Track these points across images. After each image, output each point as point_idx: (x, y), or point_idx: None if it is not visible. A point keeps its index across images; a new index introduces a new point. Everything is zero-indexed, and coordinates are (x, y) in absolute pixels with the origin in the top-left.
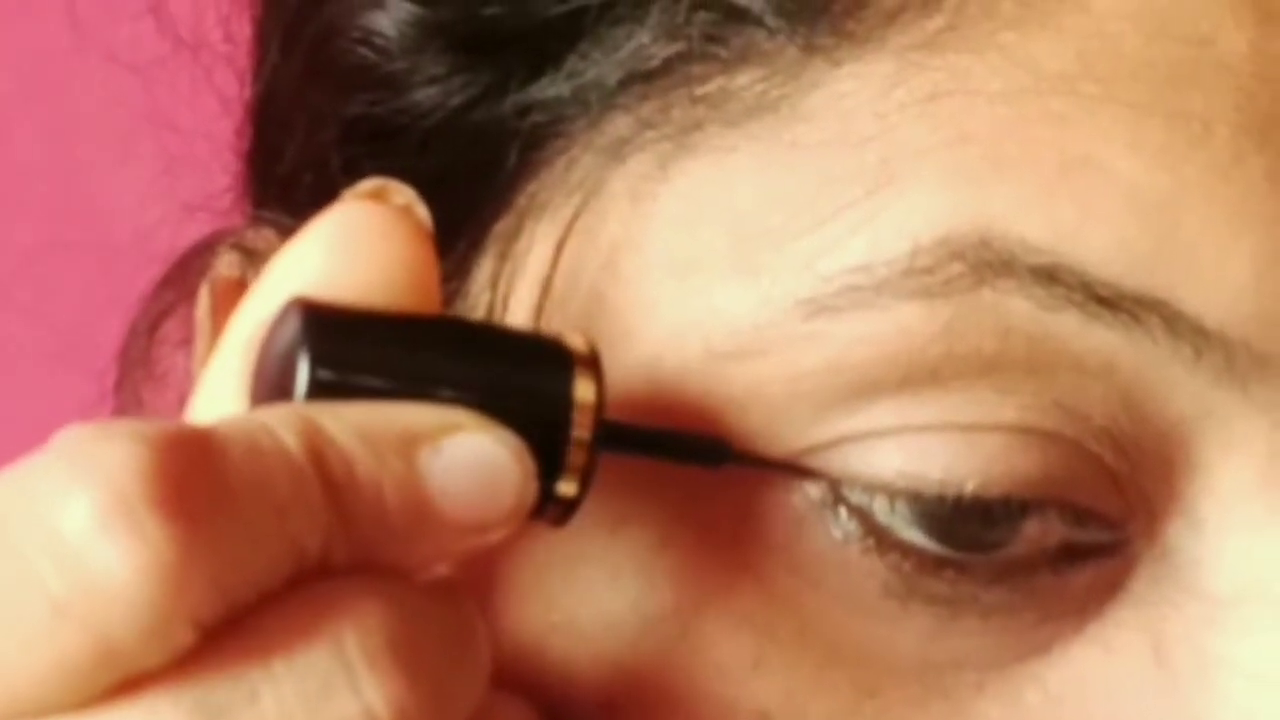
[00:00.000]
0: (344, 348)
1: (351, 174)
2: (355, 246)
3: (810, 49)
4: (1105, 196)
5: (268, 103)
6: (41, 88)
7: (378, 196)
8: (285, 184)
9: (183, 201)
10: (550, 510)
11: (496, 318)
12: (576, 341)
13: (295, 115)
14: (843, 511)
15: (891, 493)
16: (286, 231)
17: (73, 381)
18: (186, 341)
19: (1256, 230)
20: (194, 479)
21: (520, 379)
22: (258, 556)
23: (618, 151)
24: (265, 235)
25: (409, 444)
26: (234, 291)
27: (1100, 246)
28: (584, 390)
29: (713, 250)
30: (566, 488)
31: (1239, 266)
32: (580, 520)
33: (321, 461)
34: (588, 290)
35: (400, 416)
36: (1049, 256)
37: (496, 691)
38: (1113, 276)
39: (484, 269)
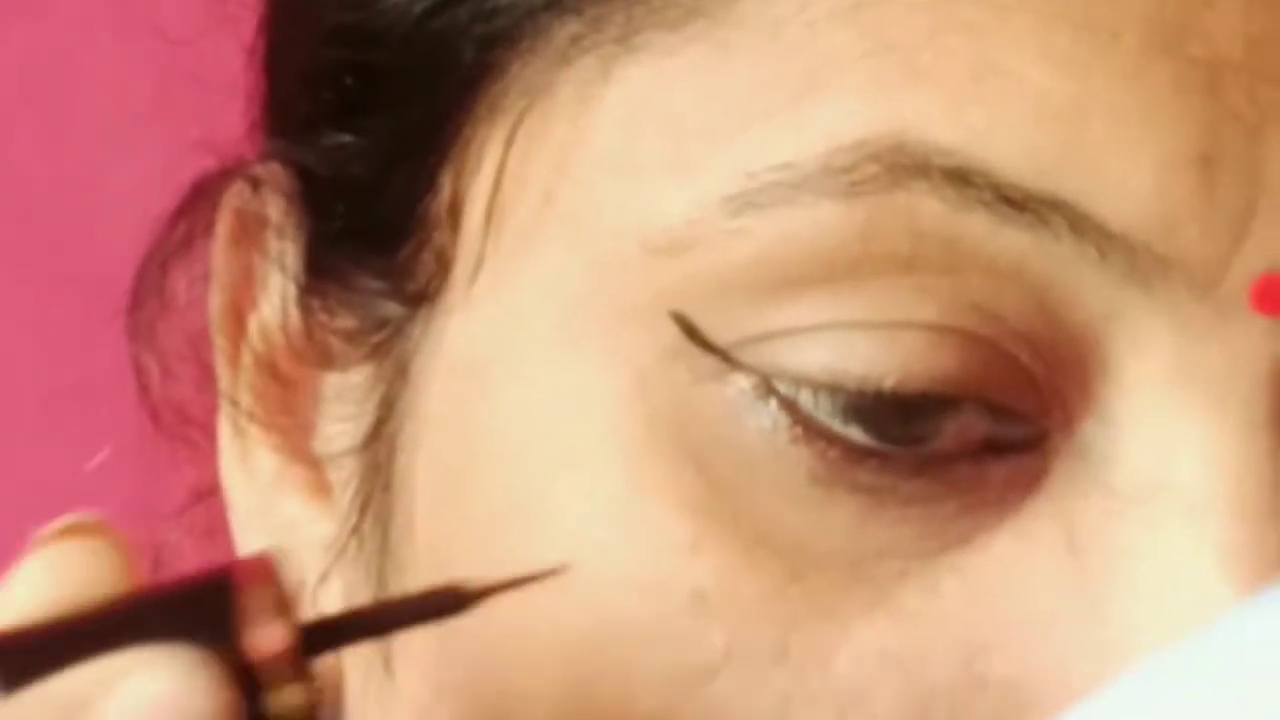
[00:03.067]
0: (31, 661)
1: (335, 89)
2: (55, 579)
3: None
4: (1014, 103)
5: (266, 26)
6: (42, 87)
7: (70, 532)
8: (280, 109)
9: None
10: None
11: (458, 217)
12: (243, 560)
13: (286, 33)
14: (773, 402)
15: (816, 386)
16: (289, 161)
17: (72, 381)
18: (201, 276)
19: (1161, 136)
20: None
21: (189, 616)
22: None
23: (565, 54)
24: (271, 166)
25: (81, 711)
26: (249, 224)
27: (1009, 150)
28: (258, 600)
29: (652, 151)
30: (291, 697)
31: (1143, 171)
32: (536, 412)
33: None
34: (537, 190)
35: (64, 686)
36: (960, 159)
37: None
38: (1020, 179)
39: (447, 174)
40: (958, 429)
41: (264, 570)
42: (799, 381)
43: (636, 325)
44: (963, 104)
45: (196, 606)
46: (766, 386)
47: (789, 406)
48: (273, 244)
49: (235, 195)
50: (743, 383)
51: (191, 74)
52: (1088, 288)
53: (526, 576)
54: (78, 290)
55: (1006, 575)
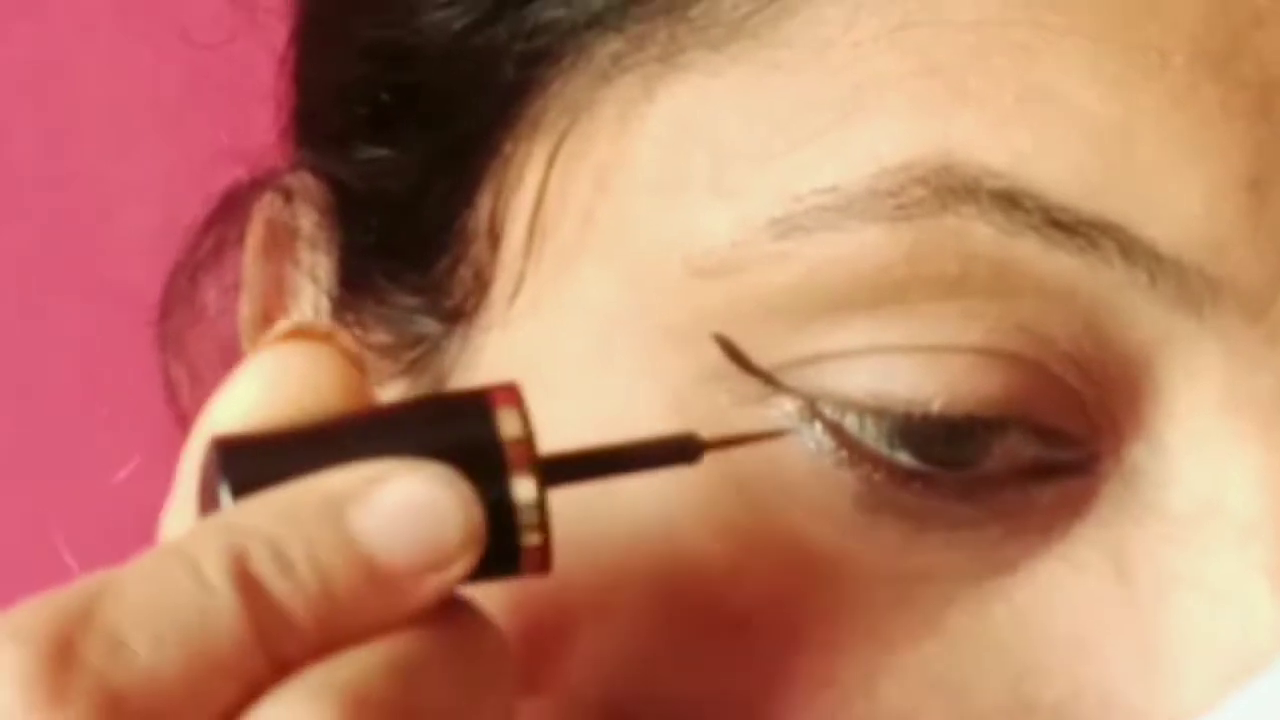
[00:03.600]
0: (260, 466)
1: (369, 104)
2: (283, 383)
3: None
4: (1062, 125)
5: (299, 37)
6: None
7: (300, 334)
8: (312, 121)
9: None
10: (528, 564)
11: (498, 234)
12: (494, 387)
13: (320, 46)
14: (817, 425)
15: (861, 409)
16: (321, 173)
17: (74, 377)
18: (231, 284)
19: (1209, 158)
20: (77, 657)
21: (443, 435)
22: (179, 703)
23: (607, 73)
24: (302, 176)
25: (335, 508)
26: (280, 235)
27: (1058, 173)
28: (511, 429)
29: (695, 171)
30: (530, 538)
31: (1192, 193)
32: (574, 431)
33: (244, 561)
34: (578, 209)
35: (320, 485)
36: (1008, 181)
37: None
38: (1070, 202)
39: (487, 189)
40: (1005, 452)
41: (515, 396)
42: (844, 405)
43: (677, 346)
44: (1010, 126)
45: (449, 425)
46: (811, 410)
47: (834, 430)
48: (305, 256)
49: (266, 205)
50: (787, 406)
51: (213, 78)
52: (1138, 311)
53: (756, 434)
54: (104, 298)
55: (1054, 600)
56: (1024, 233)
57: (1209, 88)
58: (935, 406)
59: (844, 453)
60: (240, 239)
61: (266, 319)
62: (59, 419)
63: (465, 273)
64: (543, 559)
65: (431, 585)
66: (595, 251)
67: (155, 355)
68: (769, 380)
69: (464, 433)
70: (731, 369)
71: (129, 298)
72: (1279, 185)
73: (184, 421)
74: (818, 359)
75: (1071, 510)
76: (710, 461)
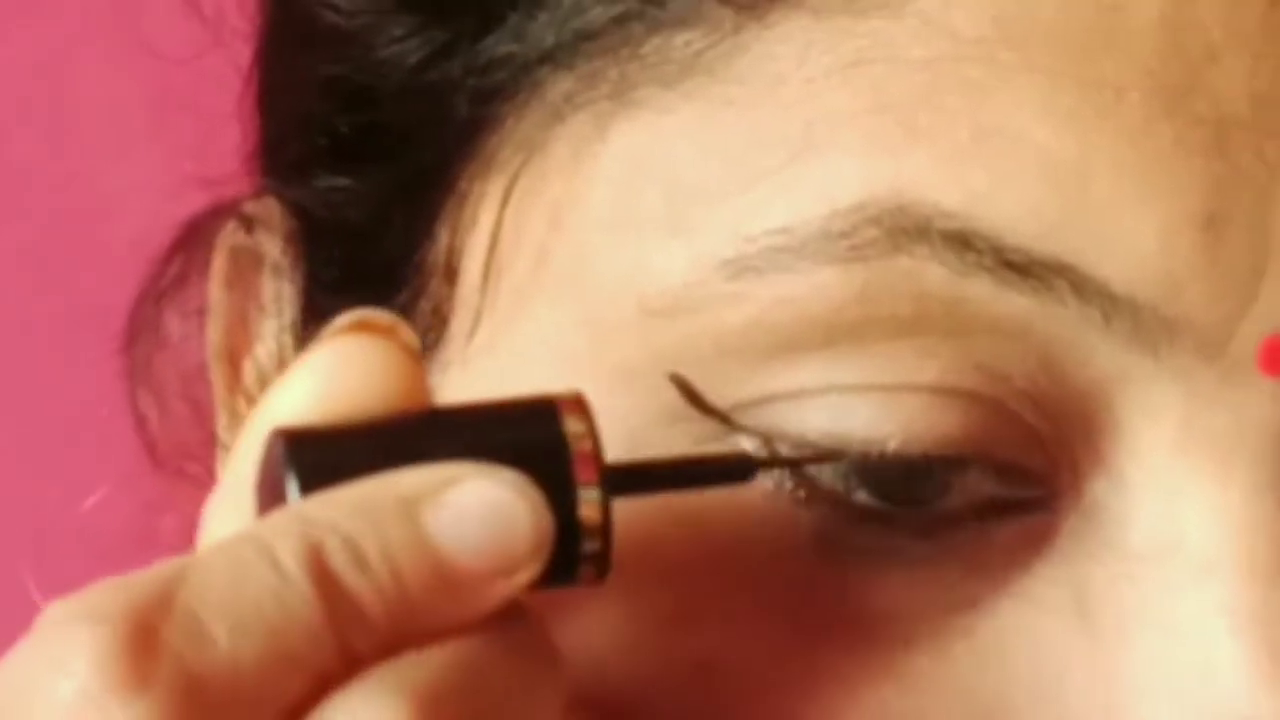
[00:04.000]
0: (328, 460)
1: (329, 135)
2: (344, 375)
3: (742, 9)
4: (1016, 163)
5: (260, 68)
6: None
7: (361, 327)
8: (275, 148)
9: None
10: (585, 572)
11: (455, 270)
12: (561, 394)
13: (279, 79)
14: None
15: (817, 449)
16: (283, 199)
17: (40, 405)
18: (196, 311)
19: (1164, 197)
20: (159, 642)
21: (511, 439)
22: (255, 691)
23: (560, 110)
24: (267, 203)
25: (410, 507)
26: (245, 263)
27: (1011, 212)
28: (579, 438)
29: (649, 210)
30: (589, 544)
31: (1146, 232)
32: None
33: (321, 554)
34: (533, 247)
35: (395, 484)
36: (961, 222)
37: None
38: (1023, 242)
39: (443, 226)
40: (964, 490)
41: (581, 404)
42: (801, 445)
43: (633, 386)
44: (963, 165)
45: (518, 429)
46: (768, 450)
47: (792, 470)
48: (268, 284)
49: (231, 233)
50: (744, 446)
51: (186, 99)
52: (1094, 349)
53: (809, 455)
54: (70, 327)
55: (1015, 639)
56: (976, 273)
57: (1164, 124)
58: (891, 446)
59: (802, 492)
60: (206, 265)
61: (230, 349)
62: (26, 446)
63: (425, 307)
64: (600, 569)
65: (499, 590)
66: (550, 290)
67: (122, 383)
68: (725, 420)
69: (533, 437)
70: (688, 409)
71: (95, 326)
72: (1235, 222)
73: (152, 449)
74: (773, 399)
75: (1032, 547)
76: (665, 502)
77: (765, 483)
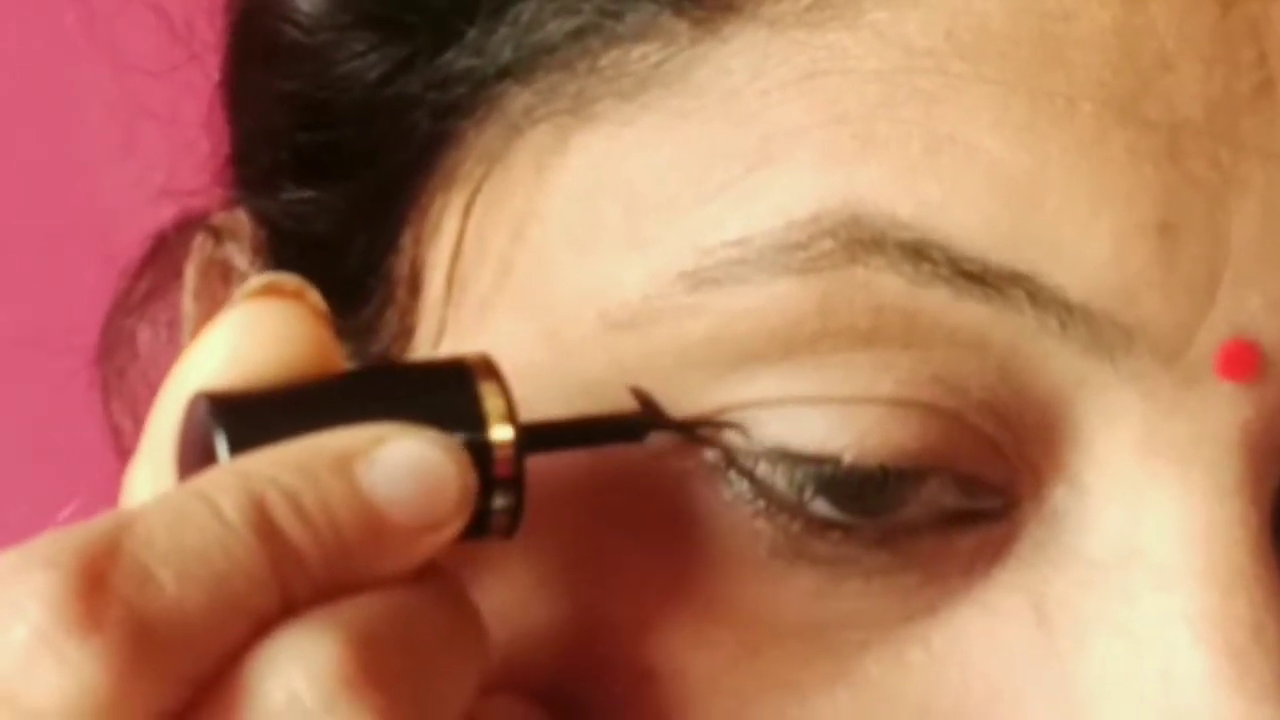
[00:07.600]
0: (255, 421)
1: (293, 149)
2: (255, 338)
3: (698, 23)
4: (969, 174)
5: (225, 82)
6: (41, 88)
7: (269, 291)
8: (243, 161)
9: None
10: (495, 524)
11: (419, 282)
12: (472, 357)
13: (244, 93)
14: (733, 475)
15: (775, 460)
16: (252, 210)
17: (13, 417)
18: (167, 322)
19: (1117, 205)
20: (109, 586)
21: (428, 401)
22: (201, 635)
23: (519, 124)
24: (236, 215)
25: (344, 463)
26: (215, 275)
27: (965, 222)
28: (492, 398)
29: (609, 222)
30: (502, 499)
31: (1100, 240)
32: None
33: (262, 506)
34: (496, 259)
35: (328, 442)
36: (917, 233)
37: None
38: (978, 252)
39: (407, 238)
40: (923, 500)
41: (490, 366)
42: (759, 456)
43: (595, 398)
44: (917, 176)
45: (434, 391)
46: (728, 461)
47: (751, 479)
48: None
49: (201, 245)
50: (706, 454)
51: (157, 112)
52: (1052, 357)
53: (702, 419)
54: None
55: (973, 646)
56: (933, 283)
57: (1117, 133)
58: (847, 458)
59: (761, 503)
60: (178, 277)
61: None
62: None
63: (391, 317)
64: (511, 523)
65: (428, 542)
66: (513, 302)
67: (96, 394)
68: (685, 431)
69: (447, 397)
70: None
71: (67, 337)
72: (1190, 228)
73: (126, 461)
74: (732, 410)
75: (992, 555)
76: (623, 510)
77: (725, 494)
